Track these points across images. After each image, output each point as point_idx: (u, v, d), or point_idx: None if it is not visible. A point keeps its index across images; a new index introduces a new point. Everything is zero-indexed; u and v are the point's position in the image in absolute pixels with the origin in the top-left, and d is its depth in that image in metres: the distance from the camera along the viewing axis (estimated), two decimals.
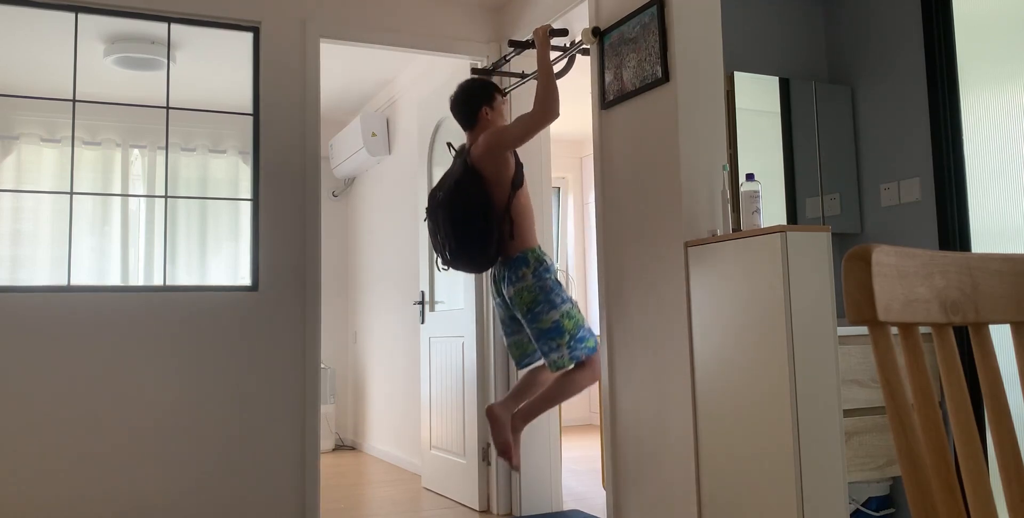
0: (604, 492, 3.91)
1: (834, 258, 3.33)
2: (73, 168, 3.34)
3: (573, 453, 5.57)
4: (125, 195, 3.50)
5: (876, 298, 0.76)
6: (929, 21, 3.08)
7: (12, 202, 3.27)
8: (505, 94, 4.00)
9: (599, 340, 3.13)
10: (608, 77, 3.03)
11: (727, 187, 2.64)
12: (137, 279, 3.48)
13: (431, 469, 4.38)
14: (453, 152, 3.45)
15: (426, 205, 3.30)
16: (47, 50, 3.39)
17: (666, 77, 2.71)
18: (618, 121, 3.00)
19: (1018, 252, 2.11)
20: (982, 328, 0.89)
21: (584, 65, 4.11)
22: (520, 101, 3.97)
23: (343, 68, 5.19)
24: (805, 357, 2.20)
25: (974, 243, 2.95)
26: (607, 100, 3.04)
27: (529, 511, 3.80)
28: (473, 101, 3.28)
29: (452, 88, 4.24)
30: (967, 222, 2.96)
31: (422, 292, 4.50)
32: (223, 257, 3.60)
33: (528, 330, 3.15)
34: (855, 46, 3.43)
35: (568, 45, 3.47)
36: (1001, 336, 2.55)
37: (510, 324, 3.28)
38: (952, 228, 2.99)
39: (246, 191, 3.59)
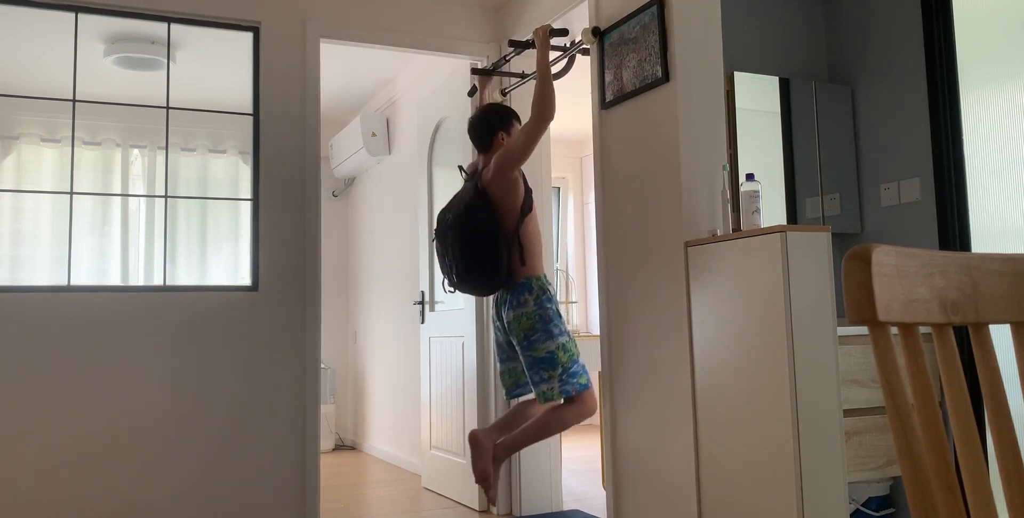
0: (604, 492, 3.91)
1: (834, 258, 3.33)
2: (73, 168, 3.34)
3: (573, 453, 5.57)
4: (125, 195, 3.50)
5: (876, 298, 0.76)
6: (929, 21, 3.08)
7: (12, 202, 3.27)
8: (505, 95, 4.01)
9: (600, 342, 3.12)
10: (608, 77, 3.03)
11: (727, 187, 2.64)
12: (137, 279, 3.48)
13: (431, 469, 4.38)
14: (464, 176, 3.46)
15: (435, 227, 3.30)
16: (47, 50, 3.39)
17: (666, 77, 2.71)
18: (618, 121, 3.00)
19: (1018, 252, 2.11)
20: (982, 328, 0.89)
21: (584, 65, 4.11)
22: (520, 101, 3.97)
23: (343, 68, 5.19)
24: (805, 357, 2.20)
25: (974, 243, 2.95)
26: (607, 100, 3.04)
27: (529, 511, 3.80)
28: (491, 125, 3.29)
29: (452, 88, 4.25)
30: (967, 222, 2.96)
31: (422, 292, 4.50)
32: (223, 257, 3.60)
33: (522, 358, 3.13)
34: (855, 46, 3.43)
35: (568, 45, 3.47)
36: (1001, 336, 2.55)
37: (507, 350, 3.26)
38: (952, 228, 2.99)
39: (246, 191, 3.59)
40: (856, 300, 0.77)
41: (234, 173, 3.64)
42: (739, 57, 3.36)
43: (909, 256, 0.81)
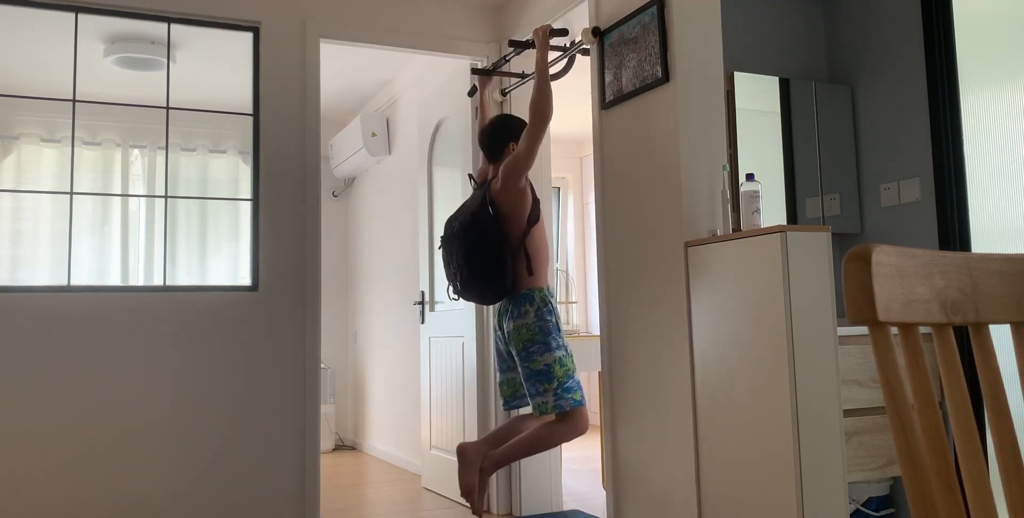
0: (604, 492, 3.91)
1: (834, 258, 3.33)
2: (73, 168, 3.34)
3: (573, 453, 5.57)
4: (125, 195, 3.50)
5: (876, 298, 0.76)
6: (929, 21, 3.08)
7: (12, 202, 3.27)
8: (505, 95, 4.01)
9: (600, 341, 3.13)
10: (608, 77, 3.03)
11: (727, 187, 2.64)
12: (137, 279, 3.48)
13: (431, 469, 4.38)
14: (474, 184, 3.47)
15: (442, 234, 3.31)
16: (47, 50, 3.39)
17: (666, 77, 2.71)
18: (618, 121, 3.00)
19: (1018, 252, 2.11)
20: (982, 328, 0.89)
21: (584, 65, 4.11)
22: (520, 101, 3.97)
23: (343, 68, 5.19)
24: (805, 357, 2.20)
25: (974, 243, 2.95)
26: (607, 100, 3.04)
27: (529, 511, 3.80)
28: (501, 136, 3.30)
29: (452, 88, 4.25)
30: (967, 222, 2.96)
31: (422, 292, 4.50)
32: (223, 257, 3.60)
33: (520, 368, 3.14)
34: (855, 46, 3.43)
35: (568, 45, 3.47)
36: (1001, 336, 2.55)
37: (507, 360, 3.27)
38: (952, 228, 2.99)
39: (246, 191, 3.59)
40: (856, 300, 0.77)
41: (234, 173, 3.64)
42: (739, 57, 3.36)
43: (909, 256, 0.81)
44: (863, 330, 2.63)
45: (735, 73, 3.25)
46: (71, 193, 3.32)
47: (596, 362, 4.15)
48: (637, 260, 2.86)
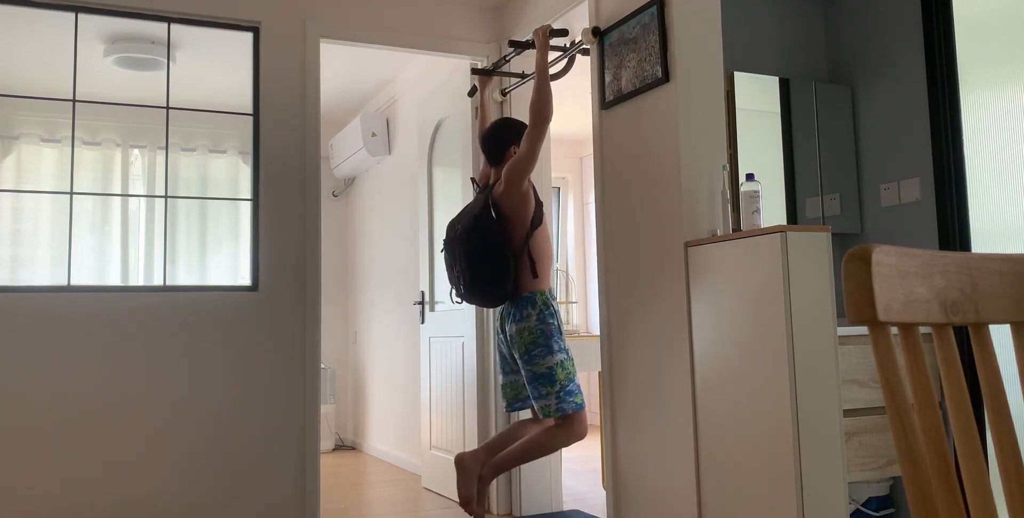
0: (604, 492, 3.91)
1: (834, 258, 3.33)
2: (73, 168, 3.34)
3: (573, 453, 5.57)
4: (125, 195, 3.50)
5: (876, 298, 0.76)
6: (929, 21, 3.08)
7: (12, 202, 3.27)
8: (505, 95, 4.01)
9: (600, 341, 3.13)
10: (608, 77, 3.03)
11: (727, 187, 2.64)
12: (137, 279, 3.48)
13: (431, 469, 4.38)
14: (476, 188, 3.47)
15: (444, 237, 3.32)
16: (47, 50, 3.39)
17: (666, 77, 2.71)
18: (618, 121, 3.00)
19: (1018, 252, 2.11)
20: (982, 328, 0.89)
21: (584, 65, 4.11)
22: (521, 101, 3.97)
23: (343, 68, 5.19)
24: (805, 357, 2.20)
25: (974, 243, 2.95)
26: (607, 100, 3.04)
27: (529, 511, 3.80)
28: (503, 139, 3.30)
29: (452, 88, 4.25)
30: (967, 222, 2.96)
31: (422, 292, 4.50)
32: (223, 257, 3.60)
33: (523, 371, 3.15)
34: (855, 46, 3.43)
35: (568, 45, 3.47)
36: (1001, 336, 2.55)
37: (510, 362, 3.27)
38: (952, 228, 2.99)
39: (246, 191, 3.59)
40: (856, 300, 0.77)
41: (234, 173, 3.64)
42: (739, 57, 3.36)
43: (909, 256, 0.81)
44: (863, 330, 2.63)
45: (735, 73, 3.25)
46: (71, 193, 3.32)
47: (596, 362, 4.15)
48: (637, 260, 2.86)
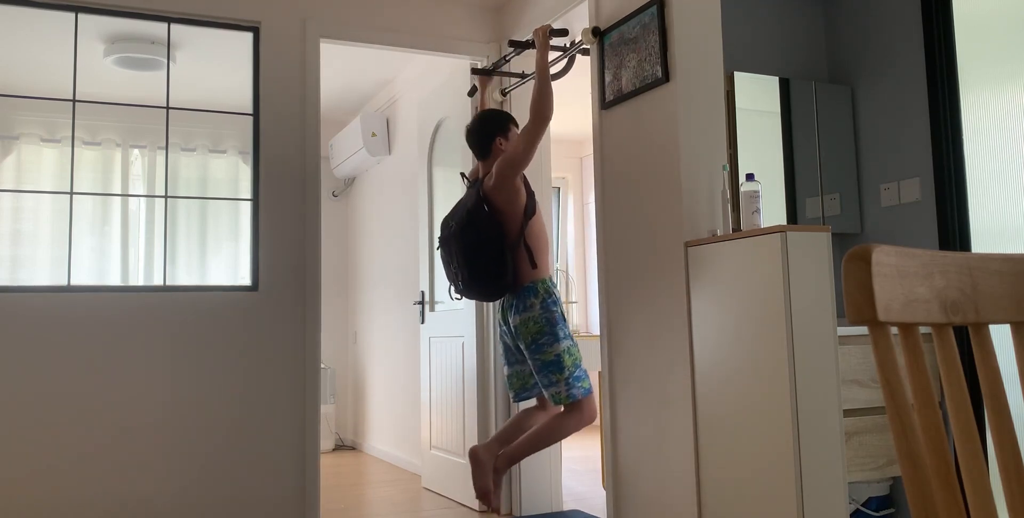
0: (604, 492, 3.91)
1: (834, 258, 3.33)
2: (73, 168, 3.34)
3: (573, 453, 5.57)
4: (125, 195, 3.50)
5: (876, 298, 0.76)
6: (929, 21, 3.08)
7: (12, 202, 3.27)
8: (505, 95, 4.01)
9: (599, 341, 3.13)
10: (608, 77, 3.03)
11: (727, 187, 2.64)
12: (137, 279, 3.48)
13: (431, 469, 4.38)
14: (467, 183, 3.48)
15: (439, 234, 3.33)
16: (47, 50, 3.39)
17: (666, 77, 2.71)
18: (618, 121, 3.00)
19: (1018, 252, 2.11)
20: (982, 328, 0.89)
21: (584, 65, 4.11)
22: (520, 101, 3.97)
23: (343, 68, 5.19)
24: (805, 357, 2.20)
25: (974, 243, 2.95)
26: (607, 100, 3.04)
27: (529, 511, 3.80)
28: (488, 132, 3.30)
29: (452, 88, 4.25)
30: (967, 222, 2.96)
31: (422, 292, 4.50)
32: (223, 257, 3.60)
33: (530, 361, 3.16)
34: (855, 46, 3.43)
35: (568, 45, 3.47)
36: (1001, 336, 2.55)
37: (515, 353, 3.28)
38: (952, 228, 2.99)
39: (246, 191, 3.59)
40: (856, 300, 0.77)
41: (234, 173, 3.64)
42: (739, 57, 3.36)
43: (909, 256, 0.81)
44: (863, 330, 2.63)
45: (735, 73, 3.25)
46: (71, 193, 3.32)
47: (596, 362, 4.15)
48: (637, 260, 2.86)
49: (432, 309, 4.43)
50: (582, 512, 3.81)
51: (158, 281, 3.44)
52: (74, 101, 3.36)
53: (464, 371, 4.04)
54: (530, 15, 3.80)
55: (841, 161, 3.40)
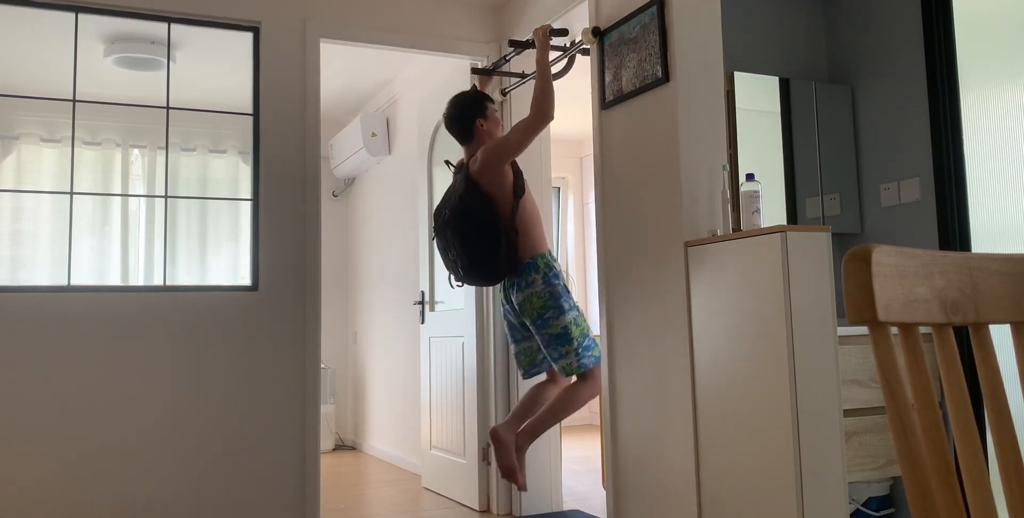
0: (604, 492, 3.91)
1: (834, 258, 3.33)
2: (73, 168, 3.34)
3: (573, 453, 5.57)
4: (125, 195, 3.50)
5: (876, 298, 0.76)
6: (929, 21, 3.08)
7: (12, 202, 3.27)
8: (505, 95, 4.00)
9: (599, 341, 3.13)
10: (608, 77, 3.03)
11: (727, 187, 2.64)
12: (137, 279, 3.48)
13: (431, 469, 4.38)
14: (452, 169, 3.48)
15: (432, 223, 3.34)
16: (47, 50, 3.39)
17: (666, 77, 2.71)
18: (618, 121, 3.00)
19: (1018, 252, 2.11)
20: (982, 328, 0.89)
21: (584, 65, 4.11)
22: (520, 101, 3.97)
23: (343, 68, 5.19)
24: (805, 357, 2.20)
25: (974, 243, 2.95)
26: (607, 100, 3.04)
27: (529, 511, 3.80)
28: (466, 115, 3.32)
29: (452, 88, 4.24)
30: (967, 222, 2.96)
31: (422, 292, 4.50)
32: (223, 257, 3.60)
33: (537, 336, 3.17)
34: (855, 46, 3.43)
35: (568, 45, 3.47)
36: (1001, 336, 2.55)
37: (520, 330, 3.29)
38: (952, 228, 2.99)
39: (246, 191, 3.59)
40: (856, 300, 0.77)
41: (234, 173, 3.64)
42: (739, 57, 3.36)
43: (909, 256, 0.81)
44: (863, 330, 2.63)
45: (735, 73, 3.25)
46: (71, 193, 3.32)
47: None
48: (637, 260, 2.86)
49: (432, 309, 4.42)
50: (582, 512, 3.81)
51: (158, 281, 3.44)
52: (74, 101, 3.36)
53: (464, 371, 4.04)
54: (530, 15, 3.80)
55: (841, 161, 3.40)
